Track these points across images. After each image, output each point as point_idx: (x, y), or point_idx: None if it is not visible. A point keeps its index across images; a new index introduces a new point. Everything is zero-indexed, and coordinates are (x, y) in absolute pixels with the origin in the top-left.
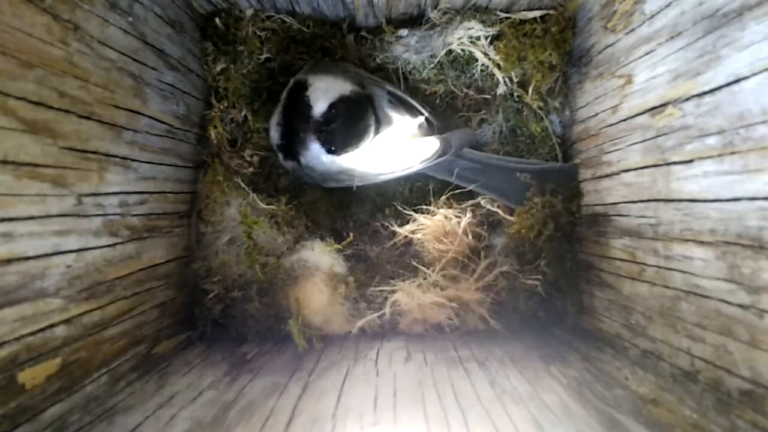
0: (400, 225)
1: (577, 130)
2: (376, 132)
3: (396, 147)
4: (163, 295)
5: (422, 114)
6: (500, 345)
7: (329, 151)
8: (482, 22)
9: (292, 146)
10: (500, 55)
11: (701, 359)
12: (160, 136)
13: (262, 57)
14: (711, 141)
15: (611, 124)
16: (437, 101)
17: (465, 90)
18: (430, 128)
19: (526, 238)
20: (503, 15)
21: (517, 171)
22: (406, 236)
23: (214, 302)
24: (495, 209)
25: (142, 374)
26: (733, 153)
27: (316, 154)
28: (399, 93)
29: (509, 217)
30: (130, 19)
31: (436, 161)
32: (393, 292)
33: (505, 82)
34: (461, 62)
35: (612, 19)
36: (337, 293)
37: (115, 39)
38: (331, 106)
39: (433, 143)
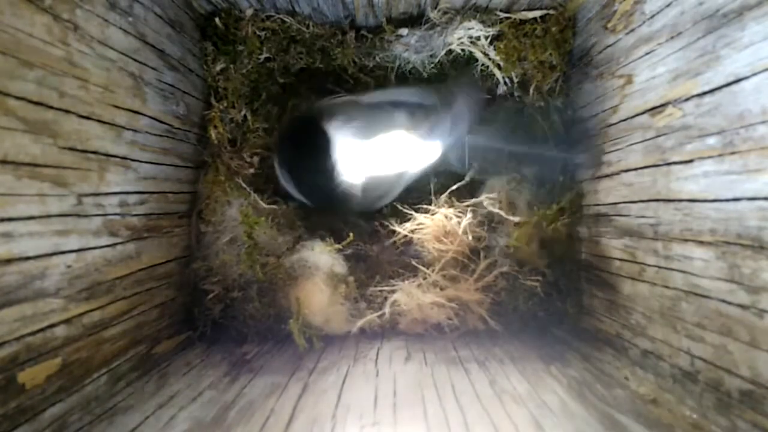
0: (400, 224)
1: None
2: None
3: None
4: (163, 295)
5: (406, 107)
6: (500, 345)
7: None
8: (482, 22)
9: None
10: (500, 55)
11: (701, 359)
12: (160, 136)
13: (262, 57)
14: (711, 141)
15: (611, 124)
16: None
17: None
18: (424, 115)
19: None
20: (503, 15)
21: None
22: (406, 235)
23: (214, 302)
24: (498, 210)
25: (142, 374)
26: (733, 153)
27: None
28: (374, 100)
29: (512, 218)
30: (130, 19)
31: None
32: (393, 292)
33: (505, 82)
34: (461, 62)
35: (612, 19)
36: (337, 293)
37: (115, 39)
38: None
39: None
